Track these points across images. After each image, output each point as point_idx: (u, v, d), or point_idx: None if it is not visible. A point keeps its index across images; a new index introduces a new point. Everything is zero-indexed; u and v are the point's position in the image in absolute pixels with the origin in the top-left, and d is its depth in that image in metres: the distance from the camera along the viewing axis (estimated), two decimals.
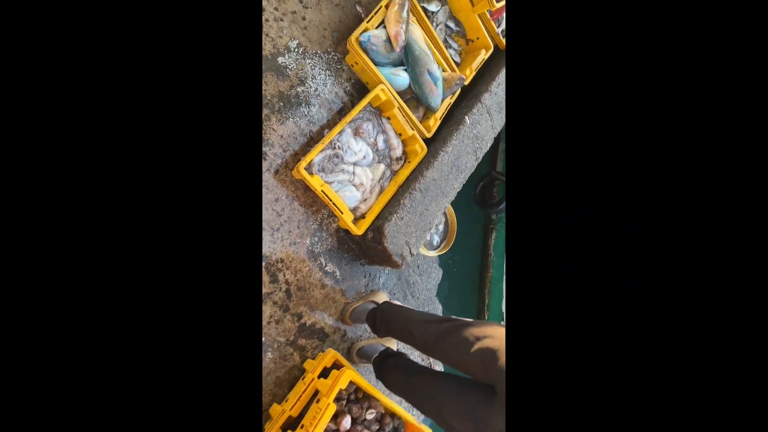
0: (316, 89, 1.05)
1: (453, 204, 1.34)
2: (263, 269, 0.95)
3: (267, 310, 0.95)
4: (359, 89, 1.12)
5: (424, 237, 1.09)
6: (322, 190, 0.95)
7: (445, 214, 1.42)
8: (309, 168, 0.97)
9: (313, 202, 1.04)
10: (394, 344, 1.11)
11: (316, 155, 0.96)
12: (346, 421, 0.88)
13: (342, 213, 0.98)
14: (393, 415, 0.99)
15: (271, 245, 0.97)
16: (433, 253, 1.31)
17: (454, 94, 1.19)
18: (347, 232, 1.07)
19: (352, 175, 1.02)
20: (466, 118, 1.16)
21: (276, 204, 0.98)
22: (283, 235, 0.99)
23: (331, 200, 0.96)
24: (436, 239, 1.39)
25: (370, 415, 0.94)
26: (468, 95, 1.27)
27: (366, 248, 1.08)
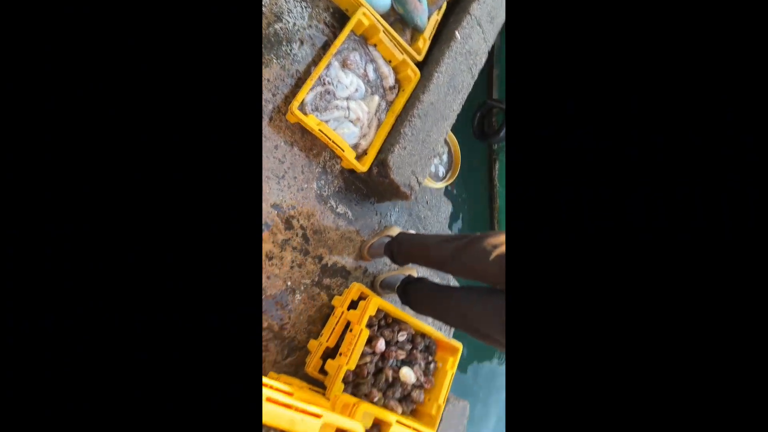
0: (294, 24, 0.98)
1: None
2: (277, 217, 0.96)
3: (288, 255, 0.98)
4: (340, 18, 1.06)
5: (429, 164, 1.08)
6: (319, 130, 0.93)
7: (447, 143, 1.40)
8: (302, 108, 0.94)
9: (312, 145, 1.02)
10: (414, 272, 1.15)
11: (306, 94, 0.93)
12: (381, 344, 0.94)
13: (343, 151, 0.96)
14: (423, 335, 1.05)
15: (279, 193, 0.97)
16: (441, 184, 1.31)
17: (440, 8, 1.11)
18: (352, 171, 1.07)
19: (347, 111, 0.99)
20: (457, 33, 1.10)
21: (276, 151, 0.97)
22: (289, 182, 0.99)
23: (330, 139, 0.95)
24: (442, 170, 1.38)
25: (402, 336, 1.00)
26: (455, 9, 1.19)
27: (373, 185, 1.07)
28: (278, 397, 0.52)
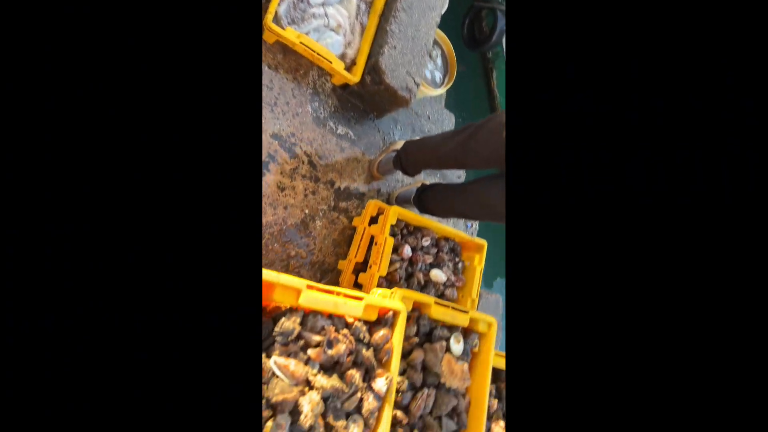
0: None
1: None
2: (279, 147, 0.94)
3: (299, 184, 0.97)
4: None
5: (424, 63, 1.01)
6: (300, 42, 0.87)
7: (439, 43, 1.30)
8: (277, 22, 0.87)
9: (297, 65, 0.97)
10: (426, 182, 1.13)
11: (278, 5, 0.85)
12: (407, 250, 0.96)
13: (331, 63, 0.91)
14: (446, 237, 1.06)
15: (275, 122, 0.94)
16: (440, 90, 1.24)
17: None
18: (345, 86, 1.01)
19: (325, 18, 0.92)
20: None
21: (262, 78, 0.91)
22: (282, 109, 0.95)
23: (314, 51, 0.89)
24: (438, 75, 1.30)
25: (426, 242, 1.01)
26: None
27: (369, 96, 1.03)
28: (318, 286, 0.53)
